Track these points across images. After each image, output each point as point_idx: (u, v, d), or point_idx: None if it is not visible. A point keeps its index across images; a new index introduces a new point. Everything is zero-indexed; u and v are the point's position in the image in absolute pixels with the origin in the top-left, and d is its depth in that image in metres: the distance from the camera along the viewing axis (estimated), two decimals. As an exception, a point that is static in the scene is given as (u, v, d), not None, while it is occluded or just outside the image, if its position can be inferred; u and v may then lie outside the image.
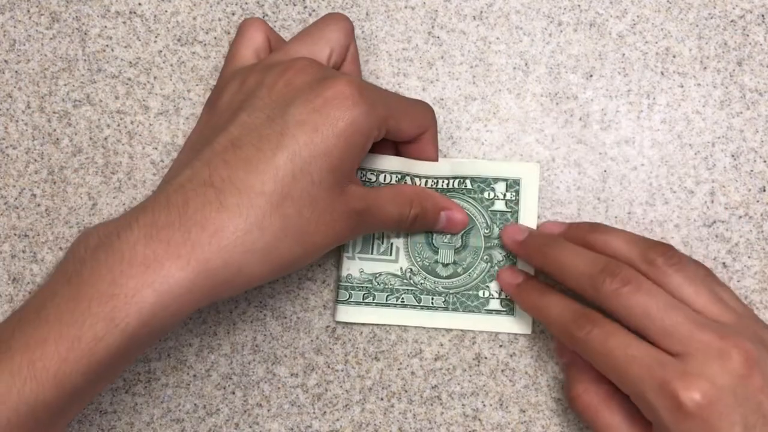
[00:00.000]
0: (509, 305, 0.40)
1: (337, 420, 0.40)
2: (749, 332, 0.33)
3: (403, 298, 0.40)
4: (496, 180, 0.40)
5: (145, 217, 0.30)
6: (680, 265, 0.35)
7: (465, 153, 0.41)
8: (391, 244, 0.40)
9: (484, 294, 0.40)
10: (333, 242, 0.34)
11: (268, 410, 0.40)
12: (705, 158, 0.40)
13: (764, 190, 0.40)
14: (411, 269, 0.40)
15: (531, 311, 0.38)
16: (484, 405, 0.40)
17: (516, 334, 0.40)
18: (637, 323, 0.33)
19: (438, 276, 0.40)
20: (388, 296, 0.40)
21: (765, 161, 0.40)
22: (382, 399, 0.40)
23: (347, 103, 0.32)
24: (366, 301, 0.40)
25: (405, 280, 0.40)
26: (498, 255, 0.40)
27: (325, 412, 0.40)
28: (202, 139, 0.34)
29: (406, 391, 0.40)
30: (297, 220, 0.32)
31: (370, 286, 0.40)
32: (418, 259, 0.40)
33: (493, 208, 0.40)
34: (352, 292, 0.40)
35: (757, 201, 0.40)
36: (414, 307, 0.40)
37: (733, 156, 0.40)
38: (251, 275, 0.31)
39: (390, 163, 0.40)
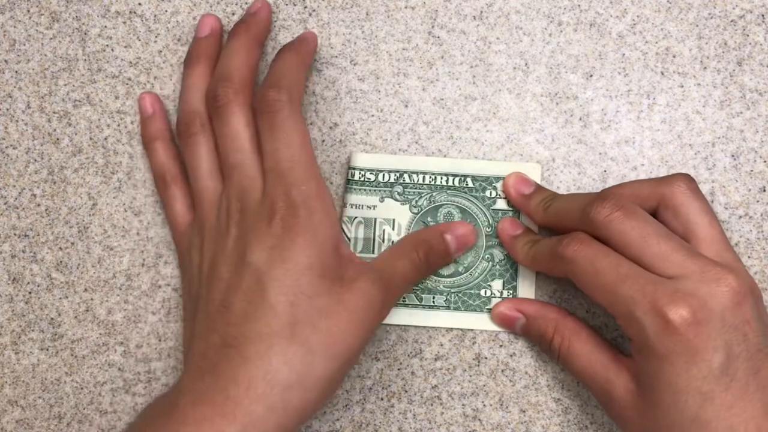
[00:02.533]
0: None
1: (337, 420, 0.40)
2: (744, 273, 0.33)
3: (404, 298, 0.40)
4: (498, 179, 0.40)
5: (186, 387, 0.33)
6: (627, 213, 0.35)
7: (465, 153, 0.41)
8: (392, 243, 0.40)
9: (485, 293, 0.40)
10: (366, 332, 0.35)
11: (268, 410, 0.40)
12: (705, 158, 0.40)
13: (764, 190, 0.40)
14: None
15: (523, 261, 0.38)
16: (484, 405, 0.40)
17: (516, 334, 0.40)
18: (631, 247, 0.33)
19: (439, 275, 0.40)
20: None
21: (765, 161, 0.40)
22: (382, 399, 0.40)
23: (289, 221, 0.34)
24: None
25: None
26: (499, 254, 0.40)
27: (325, 412, 0.40)
28: (195, 311, 0.36)
29: (406, 391, 0.40)
30: (317, 336, 0.33)
31: None
32: None
33: (494, 207, 0.40)
34: None
35: (757, 201, 0.40)
36: (415, 306, 0.40)
37: (733, 156, 0.40)
38: (301, 408, 0.33)
39: (389, 161, 0.40)
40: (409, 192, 0.40)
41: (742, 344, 0.31)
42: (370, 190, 0.40)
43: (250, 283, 0.33)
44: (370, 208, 0.40)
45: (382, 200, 0.40)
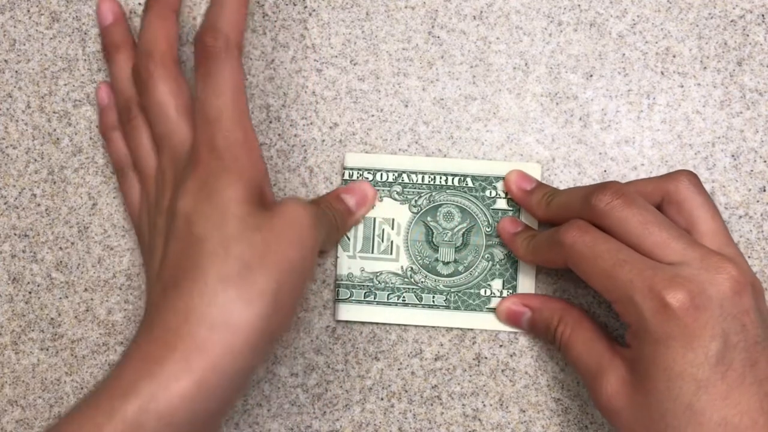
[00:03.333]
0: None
1: (337, 420, 0.40)
2: (746, 266, 0.33)
3: (404, 297, 0.40)
4: (498, 178, 0.40)
5: (134, 339, 0.32)
6: (625, 200, 0.35)
7: (465, 153, 0.41)
8: (392, 242, 0.40)
9: (485, 292, 0.40)
10: (304, 249, 0.33)
11: (268, 410, 0.40)
12: (705, 158, 0.40)
13: (764, 190, 0.40)
14: (412, 268, 0.40)
15: (524, 256, 0.38)
16: (484, 405, 0.40)
17: (516, 334, 0.40)
18: (632, 234, 0.33)
19: (439, 274, 0.40)
20: (389, 295, 0.40)
21: (765, 161, 0.40)
22: (382, 399, 0.40)
23: (212, 166, 0.33)
24: (367, 299, 0.40)
25: (406, 279, 0.40)
26: (500, 253, 0.40)
27: (325, 412, 0.40)
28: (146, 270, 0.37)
29: (406, 391, 0.40)
30: (252, 250, 0.32)
31: (371, 284, 0.40)
32: (419, 258, 0.40)
33: (494, 207, 0.40)
34: (353, 290, 0.40)
35: (757, 201, 0.40)
36: (415, 305, 0.40)
37: (733, 156, 0.40)
38: (246, 323, 0.31)
39: (387, 161, 0.40)
40: (408, 192, 0.40)
41: (740, 334, 0.31)
42: None
43: (180, 226, 0.33)
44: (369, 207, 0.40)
45: (381, 199, 0.40)
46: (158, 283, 0.33)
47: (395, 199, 0.40)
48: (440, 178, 0.40)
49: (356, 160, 0.40)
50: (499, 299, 0.40)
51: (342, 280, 0.40)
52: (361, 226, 0.40)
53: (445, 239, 0.40)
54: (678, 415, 0.31)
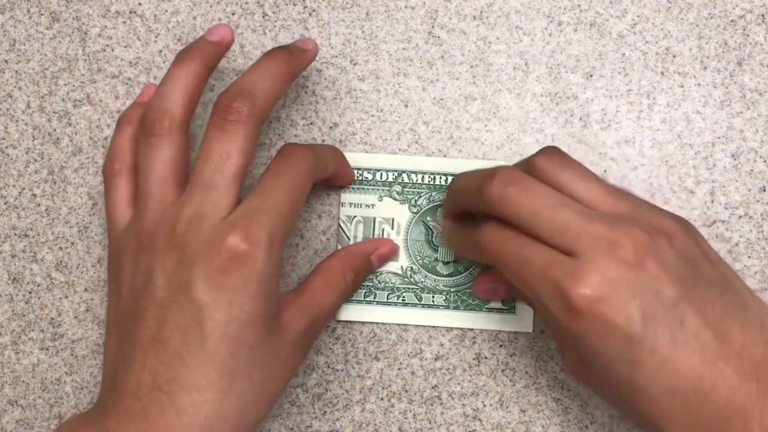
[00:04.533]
0: (510, 303, 0.40)
1: (337, 420, 0.40)
2: (642, 220, 0.32)
3: (404, 297, 0.40)
4: None
5: (113, 428, 0.31)
6: (567, 162, 0.34)
7: (465, 153, 0.41)
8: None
9: (511, 300, 0.40)
10: (294, 372, 0.35)
11: (268, 410, 0.40)
12: (705, 158, 0.40)
13: (764, 190, 0.40)
14: (411, 268, 0.40)
15: (448, 245, 0.39)
16: (484, 405, 0.40)
17: (516, 334, 0.40)
18: (527, 224, 0.32)
19: (438, 274, 0.40)
20: (389, 295, 0.40)
21: (765, 161, 0.40)
22: (382, 399, 0.40)
23: (247, 263, 0.32)
24: (367, 299, 0.40)
25: (406, 279, 0.40)
26: None
27: (325, 412, 0.40)
28: (123, 329, 0.33)
29: (406, 391, 0.40)
30: (253, 387, 0.32)
31: (371, 284, 0.40)
32: (419, 258, 0.40)
33: None
34: None
35: (757, 201, 0.40)
36: (415, 305, 0.40)
37: (733, 156, 0.40)
38: None
39: (387, 161, 0.40)
40: (407, 191, 0.40)
41: (656, 303, 0.30)
42: (367, 189, 0.40)
43: (189, 322, 0.31)
44: (368, 207, 0.40)
45: (380, 199, 0.40)
46: (150, 357, 0.31)
47: (395, 199, 0.40)
48: (440, 178, 0.40)
49: (356, 160, 0.40)
50: (499, 300, 0.40)
51: None
52: (361, 226, 0.40)
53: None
54: (625, 395, 0.31)
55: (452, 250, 0.40)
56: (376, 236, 0.40)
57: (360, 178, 0.40)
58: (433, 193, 0.40)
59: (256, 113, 0.34)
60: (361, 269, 0.39)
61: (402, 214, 0.40)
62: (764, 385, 0.29)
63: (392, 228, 0.40)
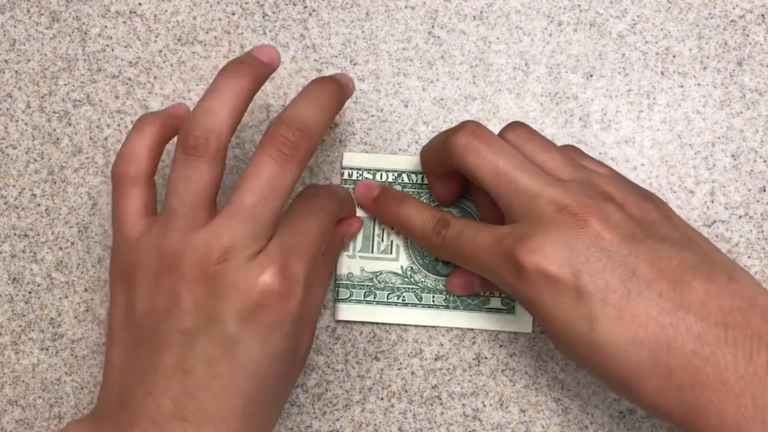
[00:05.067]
0: (510, 303, 0.40)
1: (337, 420, 0.40)
2: (594, 187, 0.33)
3: (404, 297, 0.40)
4: None
5: None
6: (532, 134, 0.35)
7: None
8: (392, 242, 0.40)
9: (484, 292, 0.40)
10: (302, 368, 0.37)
11: (268, 410, 0.40)
12: (705, 158, 0.40)
13: (764, 190, 0.40)
14: (411, 267, 0.40)
15: (392, 222, 0.38)
16: (484, 405, 0.40)
17: (516, 334, 0.40)
18: (488, 181, 0.33)
19: (439, 274, 0.40)
20: (389, 295, 0.40)
21: (765, 161, 0.40)
22: (382, 399, 0.40)
23: (285, 301, 0.31)
24: (367, 299, 0.40)
25: (406, 279, 0.40)
26: None
27: (325, 412, 0.40)
28: (139, 348, 0.32)
29: (406, 391, 0.40)
30: (271, 411, 0.34)
31: (371, 284, 0.40)
32: (419, 258, 0.40)
33: None
34: (353, 290, 0.40)
35: (757, 201, 0.40)
36: (415, 305, 0.40)
37: (733, 156, 0.40)
38: None
39: (387, 161, 0.40)
40: (408, 192, 0.40)
41: (603, 258, 0.30)
42: None
43: (219, 354, 0.31)
44: None
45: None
46: (172, 384, 0.30)
47: None
48: None
49: (354, 160, 0.40)
50: (499, 299, 0.40)
51: (342, 279, 0.40)
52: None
53: None
54: (591, 354, 0.31)
55: (389, 222, 0.39)
56: (376, 236, 0.40)
57: (360, 178, 0.40)
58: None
59: (312, 150, 0.33)
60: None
61: None
62: (734, 333, 0.29)
63: (392, 228, 0.40)
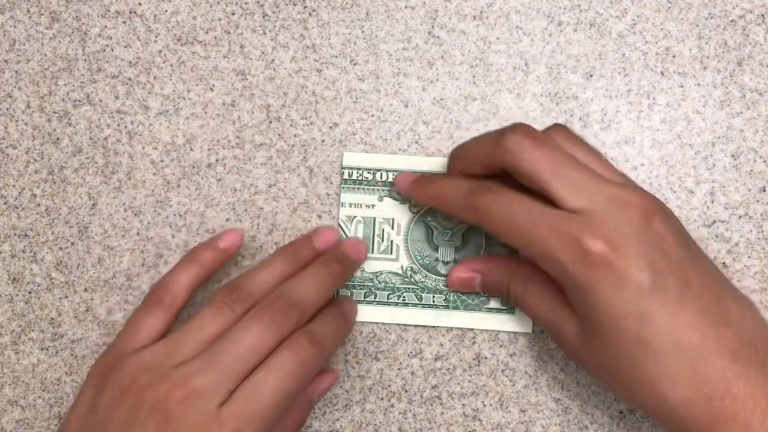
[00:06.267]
0: (510, 304, 0.40)
1: (337, 420, 0.40)
2: (645, 192, 0.34)
3: (404, 297, 0.40)
4: None
5: None
6: (578, 140, 0.35)
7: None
8: (392, 242, 0.40)
9: (484, 293, 0.40)
10: None
11: (268, 410, 0.40)
12: (705, 158, 0.40)
13: (764, 190, 0.40)
14: (412, 268, 0.40)
15: (429, 200, 0.38)
16: (484, 405, 0.40)
17: (516, 334, 0.40)
18: (541, 176, 0.33)
19: (439, 274, 0.40)
20: (389, 295, 0.40)
21: (765, 161, 0.40)
22: (382, 399, 0.40)
23: None
24: (367, 299, 0.40)
25: (406, 279, 0.40)
26: (499, 253, 0.40)
27: (325, 412, 0.40)
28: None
29: (406, 391, 0.40)
30: None
31: (371, 284, 0.40)
32: (419, 258, 0.40)
33: None
34: (353, 290, 0.40)
35: (757, 201, 0.40)
36: (415, 305, 0.40)
37: (733, 156, 0.40)
38: None
39: (387, 161, 0.40)
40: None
41: (665, 260, 0.31)
42: (368, 189, 0.40)
43: None
44: (369, 207, 0.40)
45: (381, 199, 0.40)
46: None
47: (395, 199, 0.40)
48: None
49: (355, 160, 0.40)
50: (498, 299, 0.40)
51: None
52: (361, 226, 0.40)
53: (445, 239, 0.40)
54: (632, 351, 0.31)
55: (441, 209, 0.38)
56: (376, 236, 0.40)
57: (360, 178, 0.40)
58: None
59: (300, 324, 0.35)
60: (304, 415, 0.38)
61: (402, 214, 0.40)
62: (762, 355, 0.31)
63: (392, 228, 0.40)
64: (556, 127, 0.35)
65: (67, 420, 0.35)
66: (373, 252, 0.40)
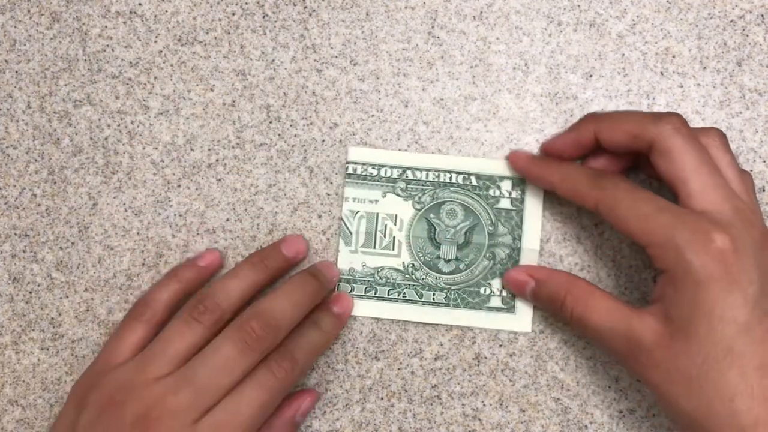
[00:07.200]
0: (510, 303, 0.40)
1: (337, 420, 0.40)
2: (762, 220, 0.35)
3: (404, 293, 0.40)
4: (502, 178, 0.40)
5: None
6: (727, 148, 0.36)
7: (465, 153, 0.41)
8: (393, 238, 0.40)
9: (485, 291, 0.40)
10: None
11: (268, 410, 0.40)
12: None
13: (764, 190, 0.40)
14: (413, 264, 0.40)
15: (551, 182, 0.38)
16: (484, 405, 0.40)
17: (516, 334, 0.40)
18: (685, 167, 0.34)
19: (440, 272, 0.40)
20: (389, 291, 0.40)
21: (765, 161, 0.40)
22: (382, 399, 0.40)
23: None
24: (368, 294, 0.40)
25: (407, 275, 0.40)
26: (501, 253, 0.40)
27: (325, 412, 0.40)
28: None
29: (406, 391, 0.40)
30: None
31: (372, 279, 0.40)
32: (420, 255, 0.40)
33: (498, 206, 0.40)
34: (354, 285, 0.40)
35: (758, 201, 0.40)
36: (415, 302, 0.40)
37: (732, 156, 0.40)
38: None
39: (391, 157, 0.40)
40: (412, 188, 0.40)
41: (767, 285, 0.32)
42: (372, 185, 0.41)
43: None
44: (372, 202, 0.40)
45: (384, 195, 0.40)
46: None
47: (399, 195, 0.40)
48: (444, 175, 0.40)
49: (360, 155, 0.41)
50: (499, 298, 0.40)
51: (343, 274, 0.40)
52: (364, 221, 0.40)
53: (448, 237, 0.40)
54: (719, 358, 0.31)
55: (563, 192, 0.37)
56: (378, 232, 0.40)
57: (364, 173, 0.41)
58: (437, 191, 0.40)
59: (275, 345, 0.36)
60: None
61: (405, 210, 0.40)
62: None
63: (395, 224, 0.40)
64: (715, 130, 0.36)
65: None
66: (375, 247, 0.40)
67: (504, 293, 0.40)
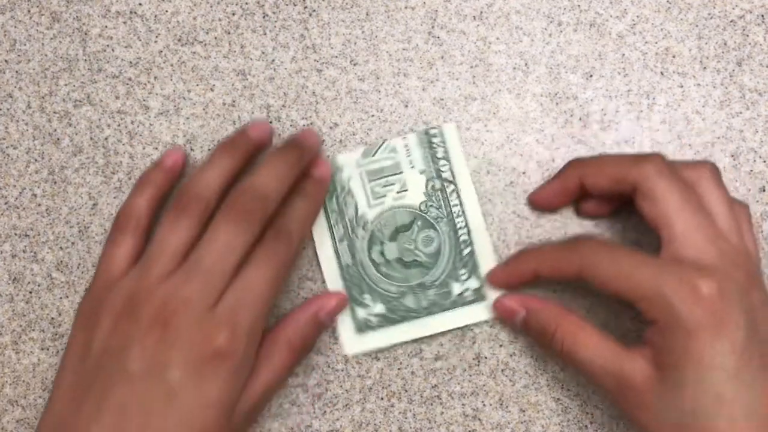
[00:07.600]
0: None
1: (337, 420, 0.40)
2: (752, 259, 0.35)
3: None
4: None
5: None
6: (719, 183, 0.35)
7: (465, 153, 0.41)
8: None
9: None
10: None
11: (268, 410, 0.40)
12: (705, 158, 0.40)
13: (764, 190, 0.40)
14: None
15: (531, 276, 0.37)
16: (484, 405, 0.40)
17: (516, 334, 0.40)
18: (668, 210, 0.34)
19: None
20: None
21: (765, 161, 0.40)
22: (382, 399, 0.40)
23: (227, 358, 0.33)
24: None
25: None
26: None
27: (325, 412, 0.40)
28: (86, 391, 0.34)
29: (406, 391, 0.40)
30: None
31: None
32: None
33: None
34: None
35: (757, 201, 0.40)
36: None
37: (732, 156, 0.40)
38: None
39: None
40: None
41: (756, 328, 0.32)
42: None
43: (156, 400, 0.33)
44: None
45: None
46: (105, 420, 0.32)
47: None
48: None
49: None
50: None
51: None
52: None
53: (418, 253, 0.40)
54: (708, 405, 0.32)
55: (546, 277, 0.37)
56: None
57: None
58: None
59: (267, 216, 0.36)
60: (309, 334, 0.38)
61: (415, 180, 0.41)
62: None
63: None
64: (706, 164, 0.36)
65: (61, 369, 0.35)
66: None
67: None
